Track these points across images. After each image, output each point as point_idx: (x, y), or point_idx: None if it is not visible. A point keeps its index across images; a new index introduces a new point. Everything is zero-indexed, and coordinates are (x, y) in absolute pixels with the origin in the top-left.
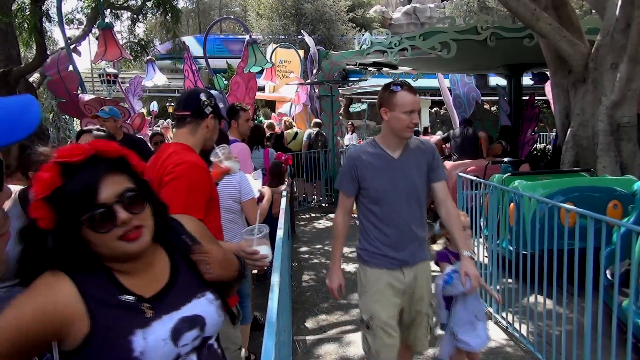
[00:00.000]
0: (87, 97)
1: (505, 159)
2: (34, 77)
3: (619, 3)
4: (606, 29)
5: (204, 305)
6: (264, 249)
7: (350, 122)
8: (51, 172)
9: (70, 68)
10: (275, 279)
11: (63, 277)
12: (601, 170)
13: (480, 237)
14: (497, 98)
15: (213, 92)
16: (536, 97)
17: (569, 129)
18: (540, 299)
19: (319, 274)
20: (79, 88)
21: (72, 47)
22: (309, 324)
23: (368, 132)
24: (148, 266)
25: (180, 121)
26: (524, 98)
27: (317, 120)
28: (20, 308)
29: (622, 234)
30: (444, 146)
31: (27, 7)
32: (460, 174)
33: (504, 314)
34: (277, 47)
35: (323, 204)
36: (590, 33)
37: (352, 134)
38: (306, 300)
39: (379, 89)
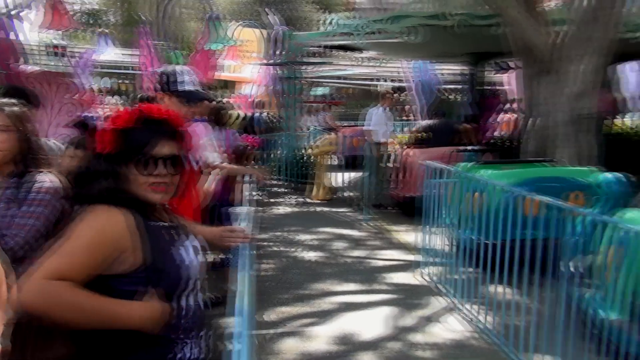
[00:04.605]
0: (29, 68)
1: (469, 148)
2: None
3: None
4: (573, 20)
5: (200, 241)
6: (247, 228)
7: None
8: (131, 115)
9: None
10: (242, 272)
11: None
12: (561, 160)
13: (444, 227)
14: (457, 86)
15: (182, 67)
16: (496, 87)
17: (531, 119)
18: (503, 288)
19: (280, 263)
20: (19, 58)
21: (13, 13)
22: (269, 316)
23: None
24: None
25: None
26: (486, 87)
27: (260, 100)
28: (89, 231)
29: (587, 224)
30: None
31: None
32: (426, 162)
33: (467, 306)
34: (238, 25)
35: (282, 189)
36: (556, 24)
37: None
38: (265, 291)
39: (344, 72)
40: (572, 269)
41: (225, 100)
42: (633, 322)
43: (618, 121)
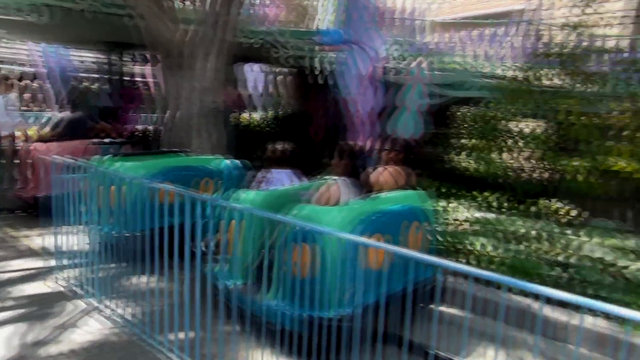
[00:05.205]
0: None
1: (106, 140)
2: None
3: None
4: (200, 20)
5: None
6: None
7: None
8: None
9: None
10: None
11: None
12: (196, 150)
13: (79, 225)
14: (98, 75)
15: None
16: (137, 79)
17: (169, 111)
18: (145, 278)
19: None
20: None
21: None
22: None
23: None
24: None
25: None
26: (125, 78)
27: None
28: None
29: (211, 208)
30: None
31: None
32: (54, 156)
33: (108, 302)
34: None
35: None
36: (186, 23)
37: None
38: None
39: None
40: (203, 248)
41: None
42: (246, 285)
43: (245, 115)
